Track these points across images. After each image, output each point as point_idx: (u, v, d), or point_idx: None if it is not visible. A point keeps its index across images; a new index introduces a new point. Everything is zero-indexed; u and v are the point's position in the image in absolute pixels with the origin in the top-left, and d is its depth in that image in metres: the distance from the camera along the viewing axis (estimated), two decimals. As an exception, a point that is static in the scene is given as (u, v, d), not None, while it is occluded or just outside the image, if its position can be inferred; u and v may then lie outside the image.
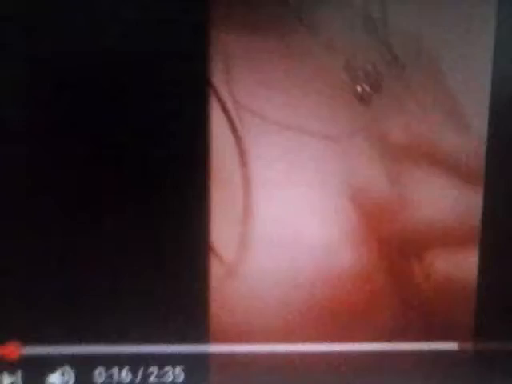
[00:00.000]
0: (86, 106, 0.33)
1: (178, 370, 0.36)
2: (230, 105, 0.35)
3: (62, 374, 0.35)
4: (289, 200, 0.36)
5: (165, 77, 0.34)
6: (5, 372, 0.34)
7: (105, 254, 0.35)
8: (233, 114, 0.35)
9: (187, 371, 0.36)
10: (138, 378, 0.36)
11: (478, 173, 0.38)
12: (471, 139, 0.38)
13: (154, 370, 0.36)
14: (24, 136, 0.33)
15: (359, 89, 0.36)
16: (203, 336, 0.36)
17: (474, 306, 0.40)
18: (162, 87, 0.34)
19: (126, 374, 0.36)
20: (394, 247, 0.38)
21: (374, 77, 0.37)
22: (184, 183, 0.35)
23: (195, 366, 0.36)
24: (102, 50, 0.33)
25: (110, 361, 0.35)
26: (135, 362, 0.36)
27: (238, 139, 0.36)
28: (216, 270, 0.36)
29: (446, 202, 0.39)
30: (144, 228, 0.35)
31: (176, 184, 0.35)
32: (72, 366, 0.35)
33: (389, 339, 0.39)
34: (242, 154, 0.36)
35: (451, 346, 0.40)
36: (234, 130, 0.36)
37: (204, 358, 0.36)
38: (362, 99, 0.37)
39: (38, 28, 0.32)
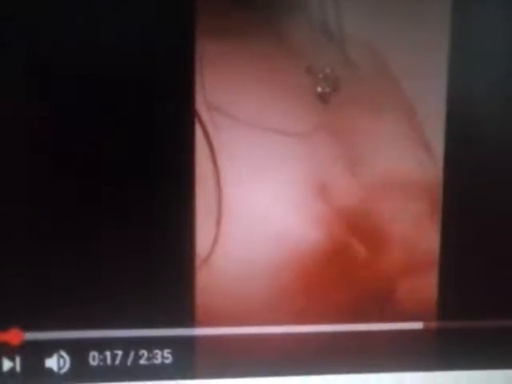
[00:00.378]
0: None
1: (166, 352, 0.39)
2: (203, 106, 0.39)
3: (59, 359, 0.37)
4: (259, 193, 0.40)
5: (149, 82, 0.37)
6: (4, 357, 0.37)
7: (98, 246, 0.37)
8: (205, 114, 0.39)
9: (175, 354, 0.39)
10: (130, 361, 0.38)
11: (435, 151, 0.42)
12: (426, 137, 0.42)
13: (143, 353, 0.38)
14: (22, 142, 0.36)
15: (319, 89, 0.40)
16: (189, 320, 0.39)
17: (437, 286, 0.42)
18: (146, 93, 0.37)
19: (118, 358, 0.38)
20: (359, 233, 0.42)
21: (333, 79, 0.41)
22: (168, 182, 0.38)
23: (182, 348, 0.39)
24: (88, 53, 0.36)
25: (102, 345, 0.38)
26: (126, 346, 0.38)
27: (208, 138, 0.39)
28: (198, 256, 0.39)
29: (406, 181, 0.42)
30: (134, 223, 0.38)
31: (161, 182, 0.38)
32: (67, 350, 0.37)
33: (355, 320, 0.42)
34: (213, 152, 0.40)
35: (416, 325, 0.43)
36: (204, 130, 0.39)
37: (190, 340, 0.39)
38: (322, 99, 0.41)
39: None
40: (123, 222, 0.37)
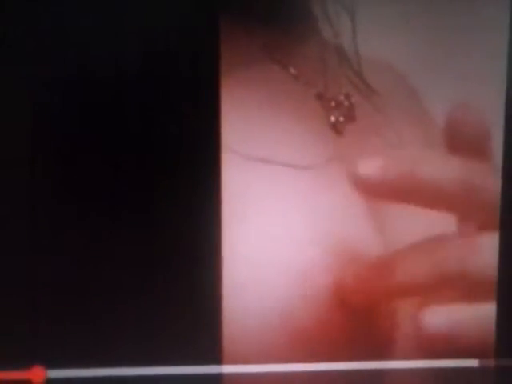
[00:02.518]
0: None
1: (192, 391, 0.38)
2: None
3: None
4: (269, 227, 0.39)
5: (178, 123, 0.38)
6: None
7: (124, 287, 0.38)
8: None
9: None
10: (154, 400, 0.38)
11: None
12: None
13: (168, 391, 0.38)
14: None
15: (332, 119, 0.39)
16: (216, 357, 0.38)
17: (494, 323, 0.40)
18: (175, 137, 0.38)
19: (142, 396, 0.38)
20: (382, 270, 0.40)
21: (347, 107, 0.39)
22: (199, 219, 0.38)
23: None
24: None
25: (126, 383, 0.37)
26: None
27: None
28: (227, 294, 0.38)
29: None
30: (166, 265, 0.38)
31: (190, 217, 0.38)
32: (90, 388, 0.37)
33: (409, 357, 0.40)
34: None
35: (471, 363, 0.40)
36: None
37: (217, 379, 0.38)
38: (336, 129, 0.39)
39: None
40: (157, 266, 0.38)
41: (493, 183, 0.39)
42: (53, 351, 0.37)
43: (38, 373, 0.37)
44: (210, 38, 0.37)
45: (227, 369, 0.38)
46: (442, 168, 0.39)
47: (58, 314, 0.37)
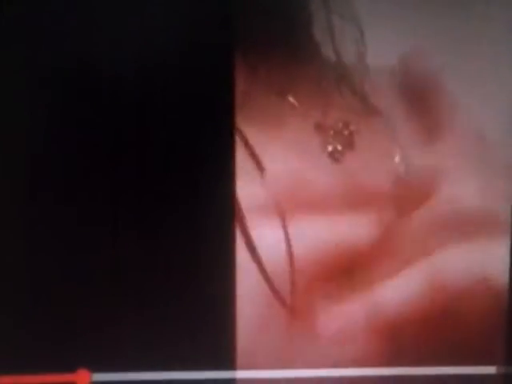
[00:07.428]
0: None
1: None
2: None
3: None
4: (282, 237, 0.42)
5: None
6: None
7: (159, 302, 0.43)
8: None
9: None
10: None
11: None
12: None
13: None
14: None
15: (330, 148, 0.41)
16: (230, 363, 0.42)
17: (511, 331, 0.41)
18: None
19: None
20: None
21: (346, 135, 0.41)
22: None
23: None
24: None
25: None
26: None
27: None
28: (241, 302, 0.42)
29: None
30: (187, 278, 0.43)
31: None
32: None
33: (428, 363, 0.41)
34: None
35: (489, 369, 0.40)
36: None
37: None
38: (334, 158, 0.41)
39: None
40: (180, 280, 0.43)
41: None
42: (98, 355, 0.42)
43: (83, 376, 0.42)
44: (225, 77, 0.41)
45: (240, 374, 0.41)
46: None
47: (102, 319, 0.42)
